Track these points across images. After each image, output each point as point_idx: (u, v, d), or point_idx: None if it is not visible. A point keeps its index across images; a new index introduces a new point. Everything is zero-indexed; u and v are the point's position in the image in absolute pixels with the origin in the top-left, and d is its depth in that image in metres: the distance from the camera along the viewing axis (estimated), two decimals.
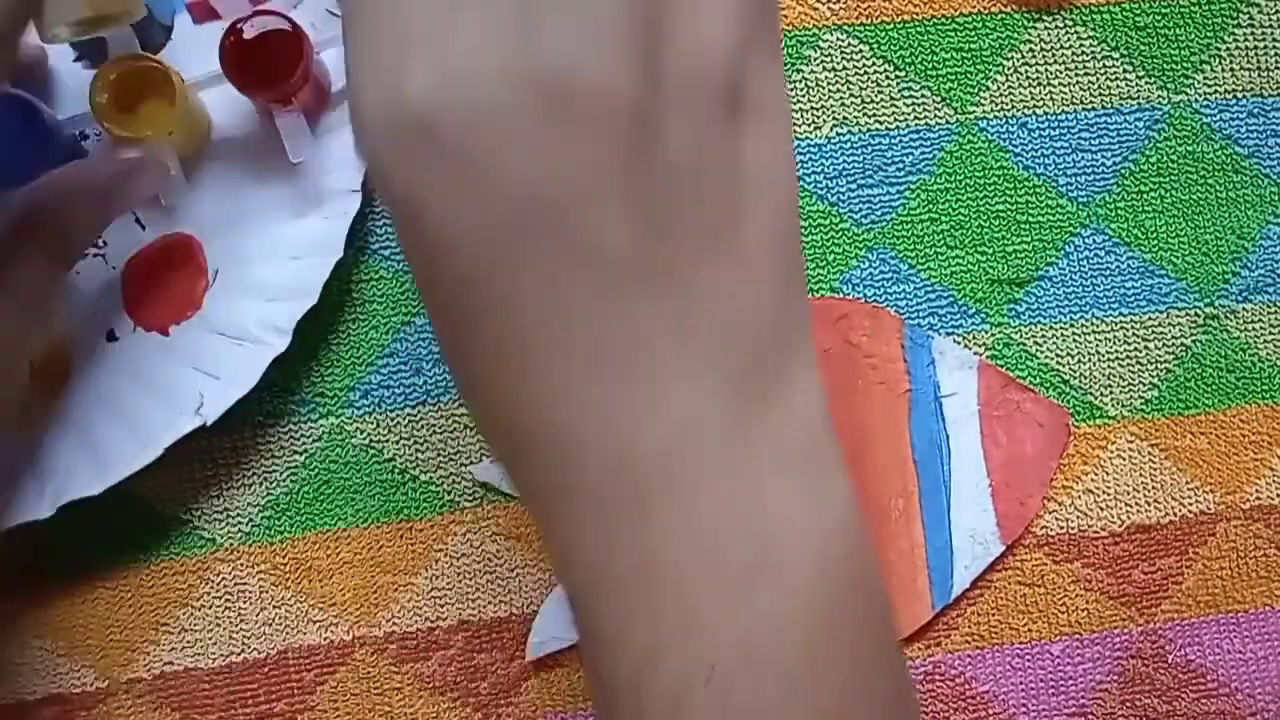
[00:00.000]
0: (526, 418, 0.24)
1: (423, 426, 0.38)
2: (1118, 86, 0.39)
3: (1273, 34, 0.40)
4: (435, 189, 0.22)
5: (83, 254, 0.37)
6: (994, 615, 0.39)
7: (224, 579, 0.38)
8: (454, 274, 0.23)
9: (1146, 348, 0.40)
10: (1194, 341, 0.40)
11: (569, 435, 0.24)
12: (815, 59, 0.39)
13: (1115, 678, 0.39)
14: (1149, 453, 0.39)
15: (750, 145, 0.24)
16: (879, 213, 0.39)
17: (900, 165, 0.39)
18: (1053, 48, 0.39)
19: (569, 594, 0.26)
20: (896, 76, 0.39)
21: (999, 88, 0.39)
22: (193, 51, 0.37)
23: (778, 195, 0.25)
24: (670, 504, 0.24)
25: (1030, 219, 0.39)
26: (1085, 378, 0.39)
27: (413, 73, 0.22)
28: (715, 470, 0.24)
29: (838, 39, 0.39)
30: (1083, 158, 0.40)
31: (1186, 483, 0.39)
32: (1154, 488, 0.39)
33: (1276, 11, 0.40)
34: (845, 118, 0.39)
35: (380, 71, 0.22)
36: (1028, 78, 0.39)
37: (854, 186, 0.39)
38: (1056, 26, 0.39)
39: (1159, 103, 0.40)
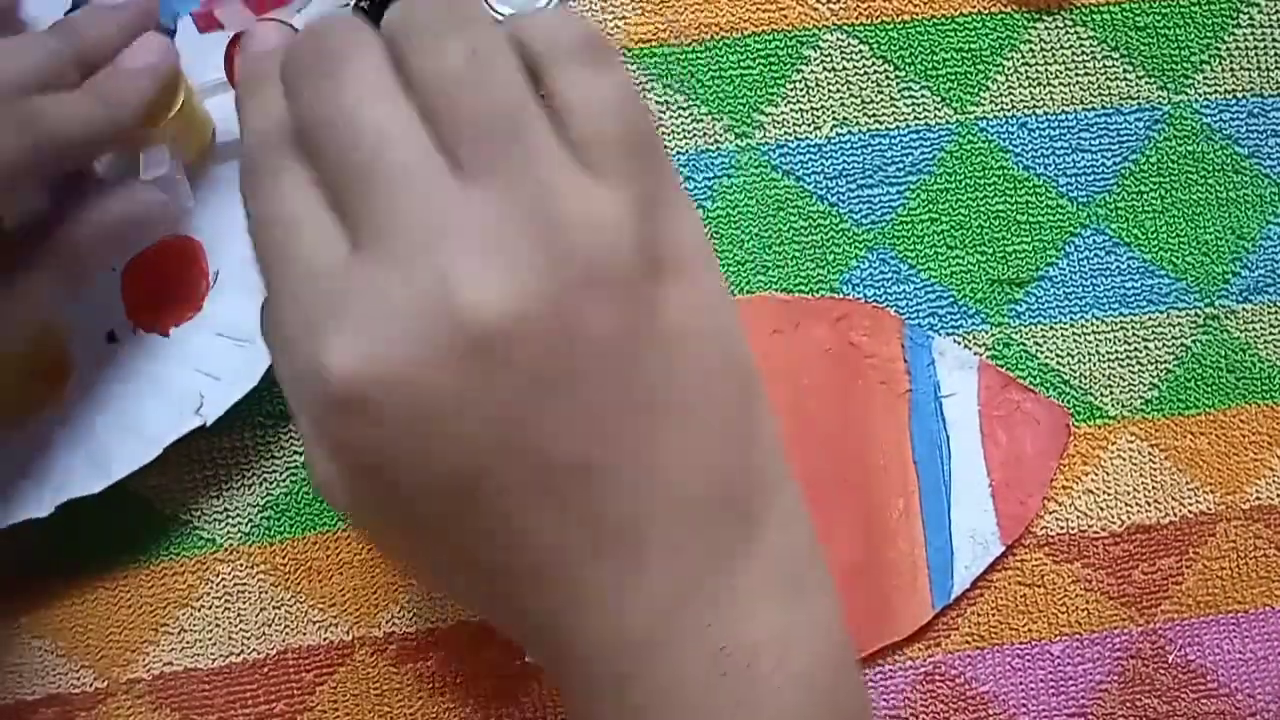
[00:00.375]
0: (510, 617, 0.26)
1: None
2: (1118, 87, 0.40)
3: (1272, 34, 0.40)
4: (380, 454, 0.23)
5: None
6: (994, 615, 0.39)
7: (224, 579, 0.38)
8: (418, 515, 0.24)
9: (1146, 348, 0.40)
10: (1194, 342, 0.40)
11: (551, 623, 0.25)
12: (815, 59, 0.39)
13: (1115, 678, 0.39)
14: (1149, 453, 0.39)
15: (676, 301, 0.24)
16: (879, 213, 0.39)
17: (900, 165, 0.39)
18: (1053, 48, 0.39)
19: None
20: (896, 77, 0.39)
21: (999, 88, 0.39)
22: (196, 57, 0.37)
23: (712, 344, 0.25)
24: (657, 668, 0.25)
25: (1030, 219, 0.39)
26: (1085, 378, 0.39)
27: (332, 353, 0.22)
28: (697, 624, 0.25)
29: (837, 39, 0.39)
30: (1083, 158, 0.40)
31: (1186, 483, 0.39)
32: (1154, 488, 0.39)
33: (1276, 12, 0.40)
34: (845, 118, 0.39)
35: (299, 357, 0.23)
36: (1028, 78, 0.39)
37: (854, 186, 0.39)
38: (1056, 26, 0.39)
39: (1159, 103, 0.40)
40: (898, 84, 0.39)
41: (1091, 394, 0.39)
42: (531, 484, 0.23)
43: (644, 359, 0.24)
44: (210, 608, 0.38)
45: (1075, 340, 0.39)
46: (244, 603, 0.38)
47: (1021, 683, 0.39)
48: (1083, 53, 0.39)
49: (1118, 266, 0.40)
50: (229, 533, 0.38)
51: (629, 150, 0.24)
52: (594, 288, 0.23)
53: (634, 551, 0.24)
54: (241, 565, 0.38)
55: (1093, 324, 0.40)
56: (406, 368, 0.22)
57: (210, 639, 0.37)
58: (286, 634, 0.38)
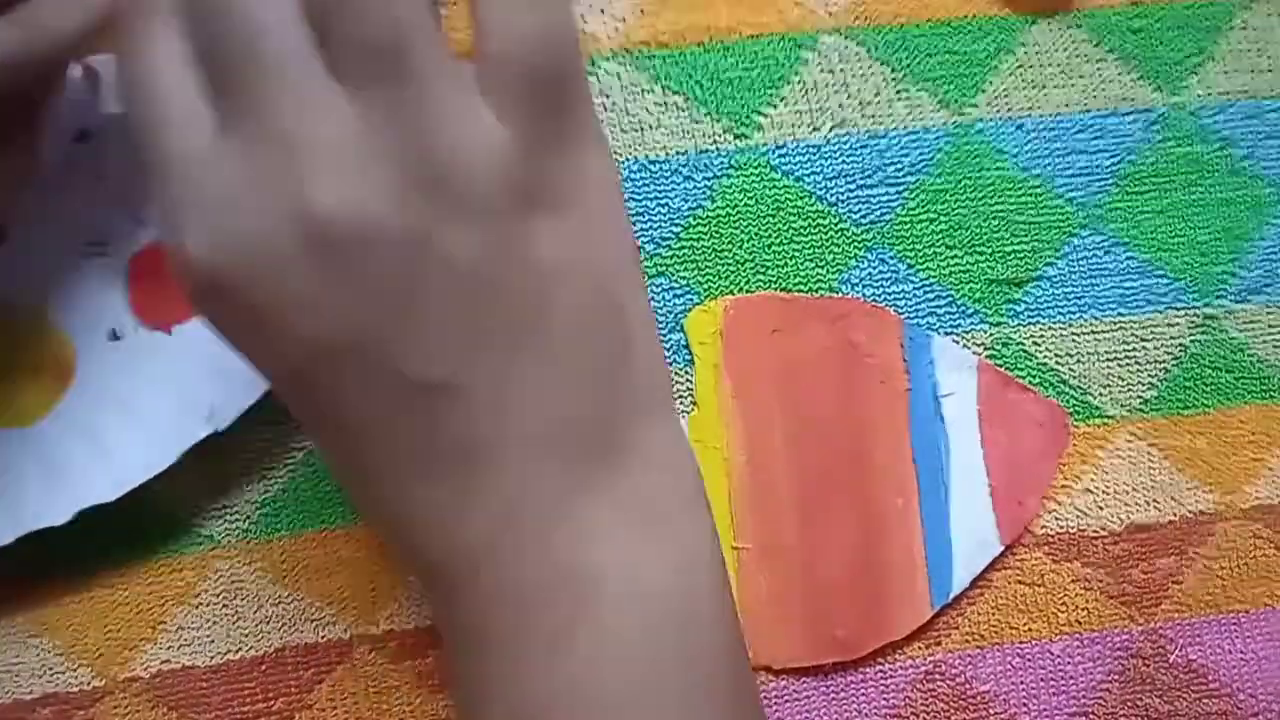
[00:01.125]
0: (377, 508, 0.26)
1: None
2: (1114, 89, 0.40)
3: (1267, 37, 0.40)
4: (236, 335, 0.24)
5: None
6: (994, 615, 0.39)
7: (222, 576, 0.38)
8: (283, 388, 0.25)
9: (1145, 348, 0.40)
10: (1192, 342, 0.40)
11: (407, 527, 0.25)
12: (813, 62, 0.39)
13: (1116, 677, 0.39)
14: (1148, 452, 0.40)
15: (552, 237, 0.24)
16: (878, 213, 0.39)
17: (899, 166, 0.39)
18: (1049, 51, 0.40)
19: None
20: (894, 79, 0.39)
21: (995, 91, 0.40)
22: None
23: (585, 281, 0.25)
24: (495, 573, 0.25)
25: (1028, 220, 0.40)
26: (1084, 378, 0.40)
27: (189, 235, 0.23)
28: (540, 539, 0.25)
29: (835, 42, 0.39)
30: (1080, 159, 0.40)
31: (1185, 482, 0.39)
32: (1153, 487, 0.39)
33: (1271, 15, 0.40)
34: (844, 119, 0.39)
35: (170, 236, 0.24)
36: (1024, 80, 0.40)
37: (853, 187, 0.39)
38: (1052, 30, 0.40)
39: (1155, 105, 0.40)
40: (895, 86, 0.39)
41: (1090, 394, 0.40)
42: (371, 394, 0.24)
43: (508, 290, 0.24)
44: (208, 605, 0.37)
45: (1074, 340, 0.40)
46: (242, 600, 0.37)
47: (1022, 682, 0.39)
48: (1079, 56, 0.40)
49: (1116, 267, 0.40)
50: (227, 530, 0.38)
51: (533, 86, 0.23)
52: (458, 214, 0.23)
53: (476, 475, 0.24)
54: (240, 562, 0.38)
55: (1091, 324, 0.40)
56: (250, 261, 0.23)
57: (208, 636, 0.37)
58: (285, 631, 0.37)
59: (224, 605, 0.37)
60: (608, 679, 0.25)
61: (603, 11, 0.39)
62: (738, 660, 0.27)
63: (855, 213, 0.39)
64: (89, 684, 0.37)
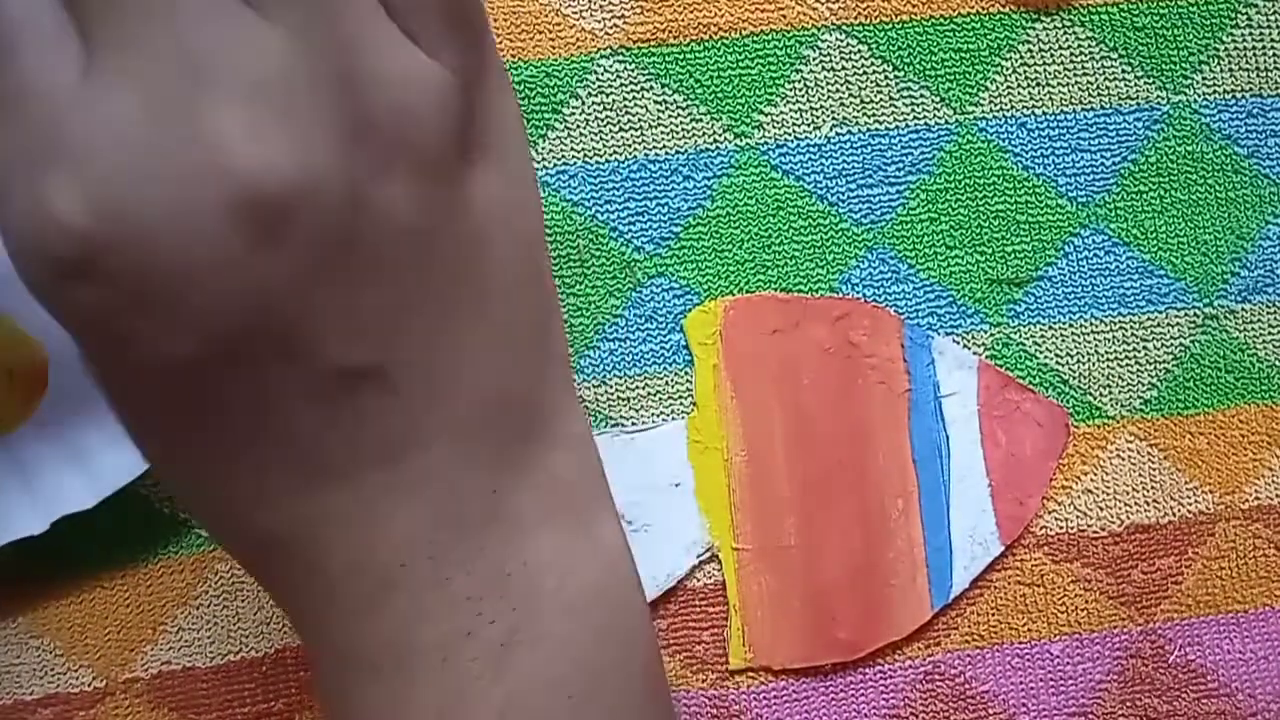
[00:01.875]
0: (262, 519, 0.22)
1: None
2: (1117, 87, 0.40)
3: (1271, 35, 0.40)
4: (116, 319, 0.19)
5: None
6: (994, 615, 0.39)
7: (222, 578, 0.38)
8: (152, 390, 0.20)
9: (1146, 348, 0.40)
10: (1193, 342, 0.40)
11: (308, 533, 0.22)
12: (814, 59, 0.39)
13: (1115, 677, 0.39)
14: (1148, 453, 0.39)
15: (484, 190, 0.21)
16: (878, 212, 0.39)
17: (900, 165, 0.39)
18: (1051, 48, 0.39)
19: (320, 687, 0.24)
20: (895, 76, 0.39)
21: (998, 88, 0.39)
22: None
23: (513, 239, 0.22)
24: (422, 583, 0.22)
25: (1029, 219, 0.39)
26: (1084, 378, 0.39)
27: (58, 194, 0.18)
28: (473, 536, 0.22)
29: (836, 39, 0.39)
30: (1082, 158, 0.40)
31: (1186, 483, 0.39)
32: (1153, 488, 0.39)
33: (1275, 12, 0.40)
34: (845, 118, 0.39)
35: (19, 187, 0.18)
36: (1026, 78, 0.39)
37: (853, 186, 0.39)
38: (1055, 27, 0.39)
39: (1158, 103, 0.40)
40: (897, 84, 0.39)
41: (1091, 394, 0.39)
42: (275, 388, 0.20)
43: (442, 253, 0.21)
44: (209, 606, 0.38)
45: (1074, 340, 0.39)
46: (242, 601, 0.38)
47: (1021, 682, 0.39)
48: (1081, 53, 0.39)
49: (1117, 266, 0.40)
50: None
51: (452, 21, 0.20)
52: (398, 164, 0.19)
53: (399, 471, 0.21)
54: (239, 564, 0.38)
55: (1092, 324, 0.40)
56: (147, 226, 0.18)
57: (209, 638, 0.37)
58: (285, 632, 0.38)
59: (224, 606, 0.38)
60: (551, 695, 0.23)
61: (601, 7, 0.38)
62: (659, 659, 0.26)
63: (856, 212, 0.39)
64: (90, 685, 0.37)
